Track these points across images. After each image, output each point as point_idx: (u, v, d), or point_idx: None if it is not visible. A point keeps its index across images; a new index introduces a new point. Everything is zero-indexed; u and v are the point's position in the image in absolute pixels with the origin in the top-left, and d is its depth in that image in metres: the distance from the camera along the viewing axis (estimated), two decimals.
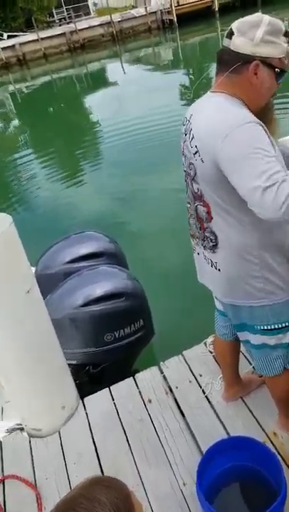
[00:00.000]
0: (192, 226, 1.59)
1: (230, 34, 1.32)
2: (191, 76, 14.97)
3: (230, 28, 1.33)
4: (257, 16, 1.32)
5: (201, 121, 1.37)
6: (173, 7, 23.35)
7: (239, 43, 1.30)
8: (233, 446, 1.76)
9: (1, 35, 24.41)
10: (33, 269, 2.46)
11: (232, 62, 1.32)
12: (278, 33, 1.29)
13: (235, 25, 1.32)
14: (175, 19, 23.46)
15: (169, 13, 23.76)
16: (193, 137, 1.40)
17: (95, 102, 13.92)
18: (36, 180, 8.17)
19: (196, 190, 1.46)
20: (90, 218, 5.78)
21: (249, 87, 1.34)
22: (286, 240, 1.50)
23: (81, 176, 7.98)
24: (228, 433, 2.08)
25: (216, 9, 23.72)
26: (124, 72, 18.12)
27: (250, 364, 2.26)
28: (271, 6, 22.31)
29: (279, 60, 1.32)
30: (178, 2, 23.80)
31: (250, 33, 1.28)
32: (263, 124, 1.29)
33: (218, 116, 1.31)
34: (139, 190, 6.51)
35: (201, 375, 2.41)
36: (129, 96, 12.99)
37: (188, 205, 1.57)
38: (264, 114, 1.38)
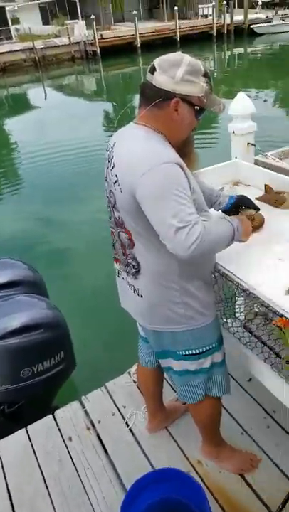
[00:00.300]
0: (117, 250, 1.58)
1: (153, 70, 1.35)
2: (114, 104, 15.35)
3: (153, 64, 1.36)
4: (178, 54, 1.36)
5: (122, 153, 1.39)
6: (96, 39, 23.97)
7: (161, 80, 1.34)
8: (157, 480, 1.71)
9: None
10: None
11: (154, 97, 1.36)
12: (198, 73, 1.35)
13: (157, 62, 1.36)
14: (98, 51, 24.05)
15: (93, 44, 24.30)
16: (114, 166, 1.41)
17: (15, 126, 13.63)
18: None
19: (118, 218, 1.47)
20: (7, 244, 5.51)
21: (170, 122, 1.38)
22: (204, 268, 1.54)
23: None
24: (152, 466, 2.03)
25: (138, 45, 24.77)
26: (46, 98, 18.08)
27: (175, 391, 2.24)
28: (190, 46, 23.87)
29: (198, 99, 1.37)
30: (101, 35, 24.50)
31: (171, 72, 1.33)
32: (182, 163, 1.34)
33: (139, 151, 1.33)
34: (60, 216, 6.39)
35: (124, 407, 2.34)
36: (51, 121, 12.93)
37: (113, 230, 1.57)
38: (184, 148, 1.43)
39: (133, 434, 2.20)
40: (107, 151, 1.48)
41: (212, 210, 1.72)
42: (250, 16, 27.37)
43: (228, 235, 1.43)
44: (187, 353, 1.61)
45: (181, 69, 1.32)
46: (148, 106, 1.37)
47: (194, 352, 1.61)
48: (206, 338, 1.61)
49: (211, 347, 1.63)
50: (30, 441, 2.25)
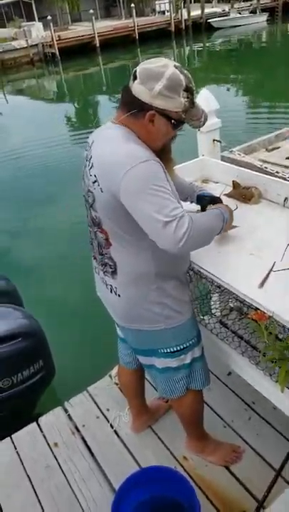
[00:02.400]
0: (95, 249, 1.58)
1: (134, 77, 1.33)
2: (77, 106, 15.20)
3: (135, 70, 1.34)
4: (162, 66, 1.30)
5: (101, 153, 1.38)
6: (54, 40, 23.69)
7: (138, 91, 1.32)
8: (145, 478, 1.74)
9: None
10: None
11: (131, 105, 1.35)
12: (178, 89, 1.30)
13: (138, 70, 1.32)
14: (57, 52, 23.78)
15: (51, 46, 24.03)
16: (92, 166, 1.40)
17: None
18: None
19: (95, 217, 1.46)
20: None
21: (145, 132, 1.37)
22: (180, 267, 1.57)
23: None
24: (139, 465, 2.05)
25: (97, 45, 24.63)
26: (7, 102, 17.75)
27: (156, 390, 2.26)
28: (149, 44, 23.89)
29: (176, 113, 1.35)
30: (59, 36, 24.23)
31: (149, 84, 1.30)
32: (160, 162, 1.33)
33: (119, 151, 1.32)
34: (31, 222, 6.29)
35: (108, 410, 2.35)
36: (14, 126, 12.68)
37: (90, 229, 1.56)
38: (161, 155, 1.41)
39: (118, 435, 2.21)
40: (86, 150, 1.46)
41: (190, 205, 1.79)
42: (206, 10, 27.58)
43: (218, 225, 1.48)
44: (167, 350, 1.63)
45: (160, 83, 1.28)
46: (125, 111, 1.36)
47: (174, 349, 1.63)
48: (184, 335, 1.63)
49: (190, 343, 1.66)
50: (16, 449, 2.23)
